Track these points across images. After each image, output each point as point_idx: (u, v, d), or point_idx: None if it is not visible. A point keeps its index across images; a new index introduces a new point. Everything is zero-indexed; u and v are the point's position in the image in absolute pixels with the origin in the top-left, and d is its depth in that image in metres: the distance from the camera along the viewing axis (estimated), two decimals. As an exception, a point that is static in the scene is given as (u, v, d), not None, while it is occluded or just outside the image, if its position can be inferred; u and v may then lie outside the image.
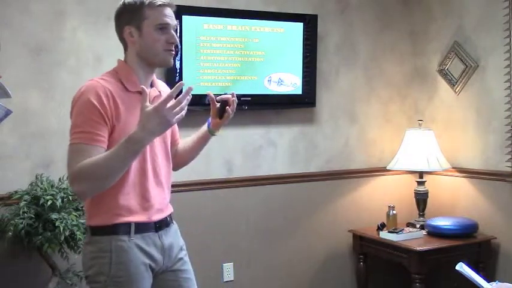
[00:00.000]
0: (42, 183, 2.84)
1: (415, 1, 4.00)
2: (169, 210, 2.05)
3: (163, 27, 1.91)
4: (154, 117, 1.68)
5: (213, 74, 3.36)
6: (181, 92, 1.70)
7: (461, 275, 1.70)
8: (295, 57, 3.57)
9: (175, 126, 2.17)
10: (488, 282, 1.71)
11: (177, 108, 1.69)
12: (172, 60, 1.96)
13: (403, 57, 4.03)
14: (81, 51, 3.12)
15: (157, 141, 1.98)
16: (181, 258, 2.05)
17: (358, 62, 3.89)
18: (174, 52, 1.95)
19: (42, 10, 3.03)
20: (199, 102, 3.36)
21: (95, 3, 3.10)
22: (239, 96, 3.40)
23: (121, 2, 1.95)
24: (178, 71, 3.24)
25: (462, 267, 1.69)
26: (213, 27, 3.33)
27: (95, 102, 1.81)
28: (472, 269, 1.72)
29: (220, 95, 3.34)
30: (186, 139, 2.26)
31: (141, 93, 1.93)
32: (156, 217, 1.96)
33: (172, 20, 1.93)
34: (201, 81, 3.33)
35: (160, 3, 1.90)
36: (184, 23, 3.22)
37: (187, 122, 3.33)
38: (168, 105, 1.67)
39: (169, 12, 1.93)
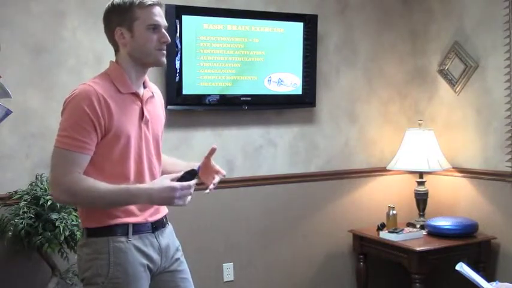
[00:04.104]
0: (42, 183, 2.84)
1: (415, 1, 4.00)
2: (164, 211, 2.05)
3: (155, 27, 1.91)
4: (165, 193, 1.79)
5: (213, 74, 3.36)
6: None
7: (461, 275, 1.71)
8: (295, 57, 3.57)
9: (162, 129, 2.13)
10: (488, 282, 1.72)
11: (187, 195, 1.83)
12: (165, 60, 1.96)
13: (403, 57, 4.03)
14: (81, 51, 3.12)
15: (151, 141, 1.98)
16: (177, 259, 2.05)
17: (358, 62, 3.89)
18: (165, 51, 1.95)
19: (42, 10, 3.03)
20: (199, 102, 3.38)
21: (95, 4, 3.10)
22: (239, 96, 3.44)
23: (109, 3, 1.93)
24: (178, 71, 3.24)
25: (462, 267, 1.69)
26: (212, 27, 3.33)
27: (87, 109, 1.80)
28: (472, 269, 1.73)
29: (223, 95, 3.37)
30: (168, 161, 2.14)
31: (134, 94, 1.93)
32: (153, 218, 1.96)
33: (162, 19, 1.94)
34: (201, 81, 3.33)
35: (150, 2, 1.89)
36: (184, 23, 3.22)
37: (187, 122, 3.38)
38: (183, 191, 1.80)
39: (158, 11, 1.93)
